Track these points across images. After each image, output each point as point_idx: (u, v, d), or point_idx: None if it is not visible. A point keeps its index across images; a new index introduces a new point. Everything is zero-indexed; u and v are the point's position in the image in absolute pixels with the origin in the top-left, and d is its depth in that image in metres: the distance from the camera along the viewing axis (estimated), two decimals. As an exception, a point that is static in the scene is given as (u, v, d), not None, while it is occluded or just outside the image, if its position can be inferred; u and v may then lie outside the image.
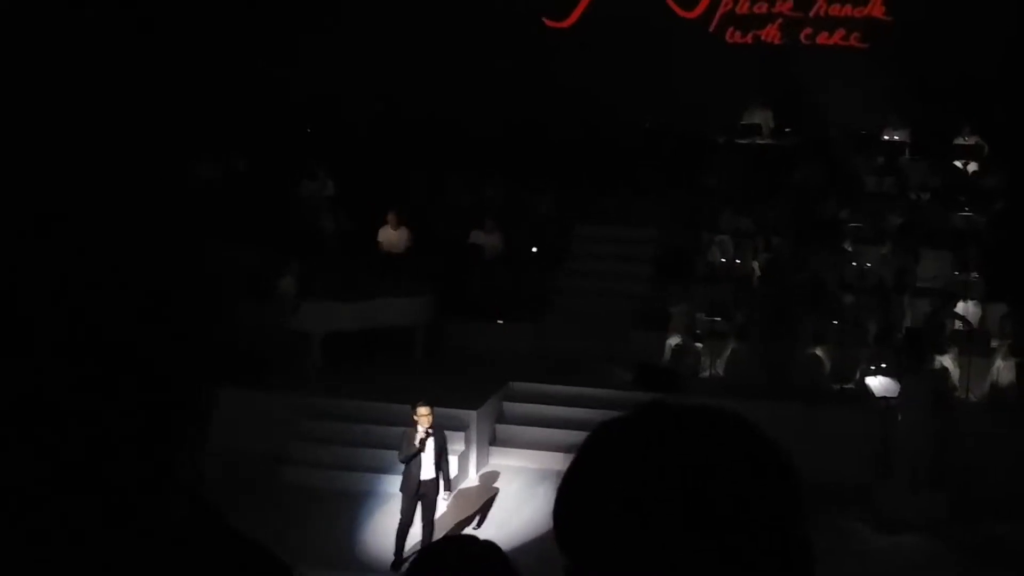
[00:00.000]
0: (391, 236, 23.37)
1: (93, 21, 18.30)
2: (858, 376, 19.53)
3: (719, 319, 20.90)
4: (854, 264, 22.12)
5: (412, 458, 15.11)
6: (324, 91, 26.36)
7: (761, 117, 26.55)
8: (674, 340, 20.92)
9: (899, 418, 17.03)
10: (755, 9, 27.60)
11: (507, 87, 25.89)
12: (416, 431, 15.12)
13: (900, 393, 17.35)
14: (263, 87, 25.90)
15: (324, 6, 27.33)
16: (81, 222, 1.65)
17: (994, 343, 20.10)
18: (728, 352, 20.71)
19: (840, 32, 27.27)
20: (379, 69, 26.57)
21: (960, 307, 20.81)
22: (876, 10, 27.01)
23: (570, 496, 1.72)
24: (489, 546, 3.26)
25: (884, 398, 17.86)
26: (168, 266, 1.69)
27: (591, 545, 1.67)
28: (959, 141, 24.73)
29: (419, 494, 15.14)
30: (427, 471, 15.14)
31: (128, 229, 1.70)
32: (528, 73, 26.13)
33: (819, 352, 20.20)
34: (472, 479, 17.91)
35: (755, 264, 22.75)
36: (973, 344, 19.86)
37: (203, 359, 1.69)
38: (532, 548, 14.82)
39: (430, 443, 15.14)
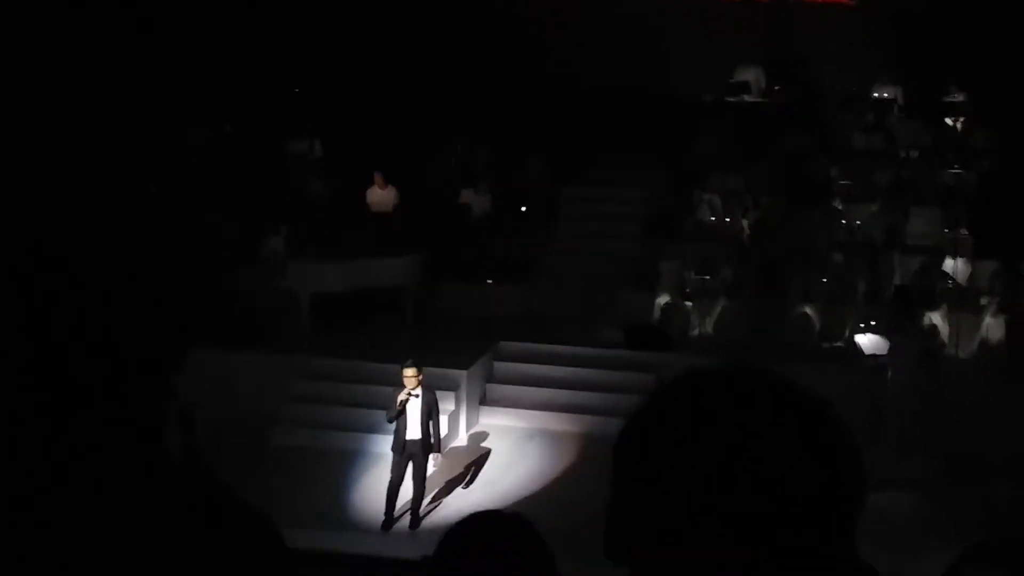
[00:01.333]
0: (379, 196, 23.33)
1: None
2: (847, 334, 19.56)
3: (708, 278, 20.90)
4: (843, 222, 22.13)
5: (396, 418, 15.14)
6: (318, 76, 26.27)
7: (751, 75, 26.51)
8: (663, 299, 20.93)
9: (888, 376, 17.06)
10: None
11: (494, 50, 25.79)
12: (402, 390, 15.15)
13: (889, 351, 17.37)
14: (252, 58, 25.81)
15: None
16: (55, 191, 1.63)
17: (983, 300, 20.12)
18: (718, 311, 20.73)
19: (830, -11, 27.20)
20: (370, 49, 26.41)
21: (949, 264, 20.84)
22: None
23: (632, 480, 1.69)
24: (519, 521, 3.22)
25: (873, 356, 17.88)
26: (137, 230, 1.67)
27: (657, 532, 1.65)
28: (948, 99, 24.72)
29: (408, 454, 15.17)
30: (413, 431, 15.16)
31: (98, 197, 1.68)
32: (515, 35, 26.03)
33: (808, 310, 20.23)
34: (462, 438, 17.94)
35: (744, 223, 22.75)
36: (962, 301, 19.89)
37: (174, 322, 1.67)
38: (521, 507, 14.88)
39: (416, 403, 15.15)
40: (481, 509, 3.32)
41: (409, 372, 15.20)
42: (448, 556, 3.13)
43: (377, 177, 23.29)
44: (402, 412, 15.10)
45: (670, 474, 1.62)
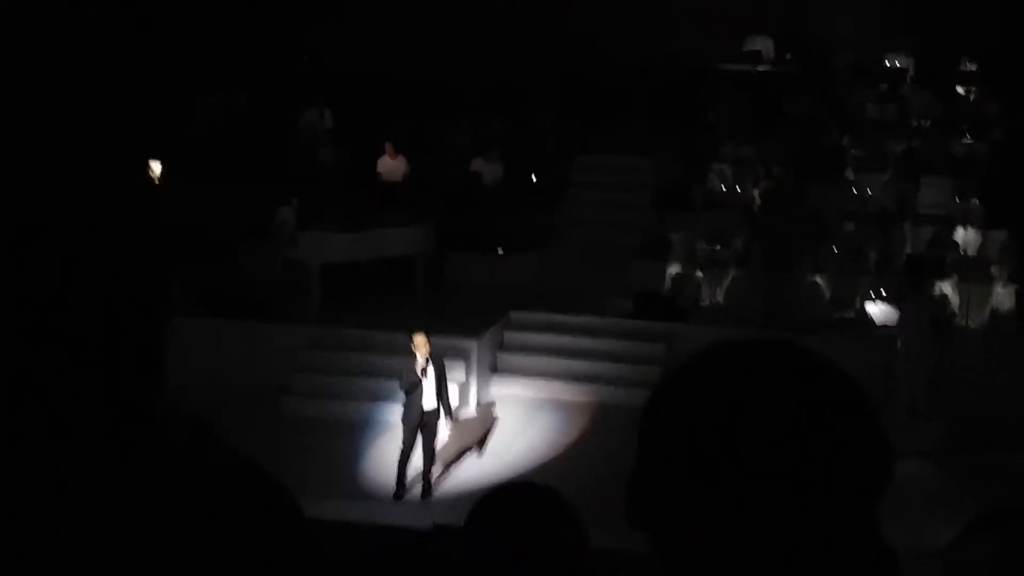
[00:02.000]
0: (389, 166, 23.32)
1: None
2: (858, 304, 19.54)
3: (719, 248, 20.87)
4: (855, 192, 22.08)
5: (414, 388, 15.14)
6: (330, 55, 26.18)
7: (762, 44, 26.42)
8: (674, 269, 20.91)
9: (898, 345, 17.04)
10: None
11: (505, 21, 25.69)
12: (415, 360, 15.14)
13: (899, 320, 17.35)
14: (263, 29, 25.74)
15: None
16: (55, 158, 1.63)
17: (994, 270, 20.09)
18: (728, 281, 20.70)
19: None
20: (382, 28, 26.27)
21: (960, 234, 20.79)
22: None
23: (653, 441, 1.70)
24: (550, 493, 3.21)
25: (885, 326, 17.87)
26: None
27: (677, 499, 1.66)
28: (961, 68, 24.63)
29: (421, 424, 15.17)
30: (429, 401, 15.16)
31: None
32: (527, 7, 25.94)
33: (819, 280, 20.20)
34: (473, 408, 17.95)
35: (755, 192, 22.70)
36: (973, 271, 19.85)
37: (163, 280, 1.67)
38: (531, 476, 14.91)
39: (431, 372, 15.16)
40: (503, 479, 3.32)
41: (420, 339, 15.19)
42: (481, 527, 3.13)
43: (387, 147, 23.28)
44: (423, 379, 15.08)
45: (697, 442, 1.63)
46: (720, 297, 20.64)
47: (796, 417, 1.62)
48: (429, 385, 15.16)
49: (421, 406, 15.12)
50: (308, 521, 1.73)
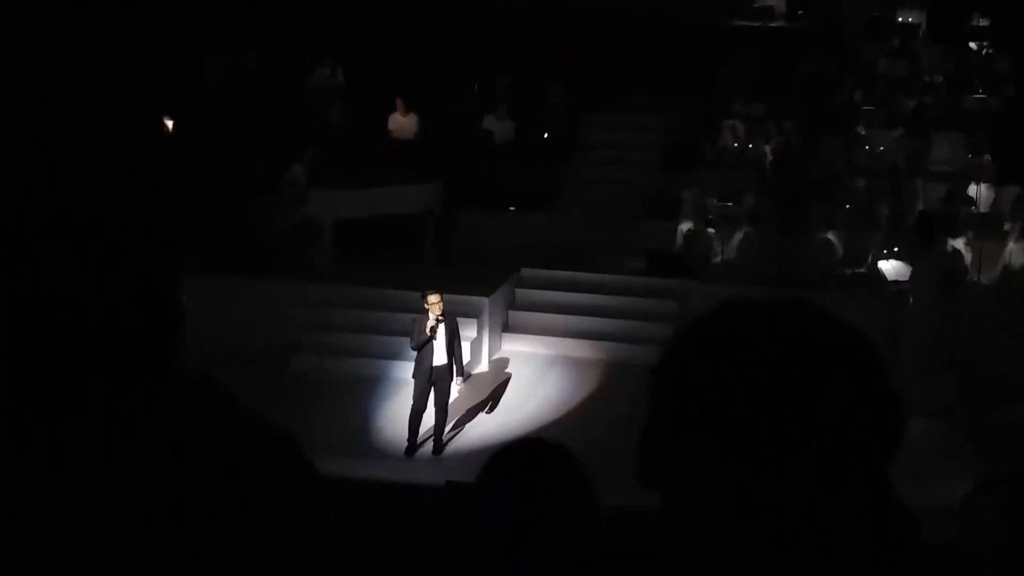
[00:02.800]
0: (400, 123, 23.29)
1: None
2: (870, 261, 19.51)
3: (731, 205, 20.83)
4: (867, 148, 22.00)
5: (424, 345, 15.18)
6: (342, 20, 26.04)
7: (774, 0, 26.28)
8: (685, 226, 20.88)
9: (910, 301, 17.00)
10: None
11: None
12: (427, 318, 15.18)
13: (911, 276, 17.32)
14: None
15: None
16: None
17: (1006, 226, 20.03)
18: (740, 238, 20.67)
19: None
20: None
21: (972, 190, 20.72)
22: None
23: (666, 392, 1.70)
24: (561, 450, 3.23)
25: (896, 282, 17.84)
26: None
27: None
28: (973, 23, 24.48)
29: (432, 380, 15.22)
30: (439, 358, 15.21)
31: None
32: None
33: (831, 237, 20.15)
34: (484, 365, 17.99)
35: (767, 149, 22.63)
36: (985, 227, 19.80)
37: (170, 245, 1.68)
38: (542, 432, 14.94)
39: (441, 330, 15.19)
40: (514, 437, 3.34)
41: (434, 298, 15.23)
42: (493, 484, 3.15)
43: (398, 103, 23.24)
44: (433, 338, 15.13)
45: (710, 399, 1.63)
46: (732, 254, 20.62)
47: (808, 374, 1.63)
48: (440, 342, 15.20)
49: (431, 362, 15.16)
50: (320, 476, 1.74)
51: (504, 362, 18.08)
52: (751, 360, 1.63)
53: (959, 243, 19.54)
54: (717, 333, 1.69)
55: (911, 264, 17.64)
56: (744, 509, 1.62)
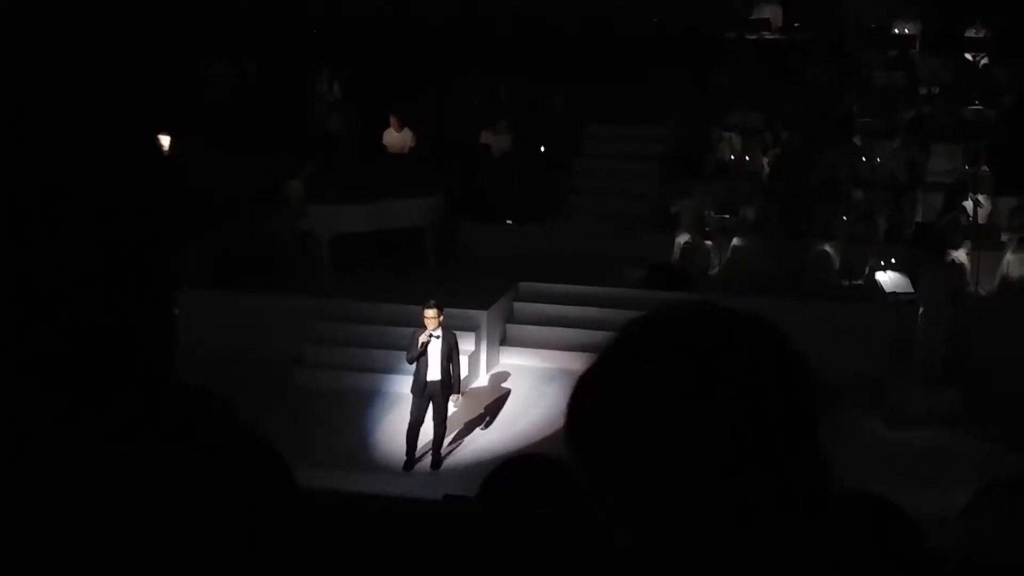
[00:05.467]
0: (395, 138, 23.31)
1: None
2: (867, 272, 19.51)
3: (728, 216, 20.84)
4: (864, 159, 22.03)
5: (417, 359, 15.16)
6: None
7: (770, 11, 26.34)
8: (683, 238, 20.89)
9: (920, 311, 16.95)
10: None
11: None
12: (423, 332, 15.17)
13: (919, 287, 17.31)
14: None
15: None
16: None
17: (1004, 236, 20.05)
18: (737, 249, 20.67)
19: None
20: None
21: (970, 201, 20.73)
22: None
23: (589, 388, 1.73)
24: (561, 464, 3.23)
25: (893, 293, 17.84)
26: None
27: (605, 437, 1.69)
28: (970, 34, 24.54)
29: (427, 395, 15.20)
30: (433, 372, 15.17)
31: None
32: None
33: (829, 248, 20.16)
34: (483, 379, 17.98)
35: (764, 160, 22.65)
36: (984, 238, 19.81)
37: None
38: (541, 447, 14.93)
39: (437, 344, 15.15)
40: (513, 451, 3.34)
41: (430, 313, 15.21)
42: (494, 498, 3.14)
43: (393, 120, 23.26)
44: (423, 353, 15.12)
45: (640, 396, 1.65)
46: (729, 265, 20.61)
47: (734, 365, 1.65)
48: (434, 356, 15.17)
49: (426, 377, 15.15)
50: (302, 491, 1.74)
51: (502, 376, 18.07)
52: (678, 354, 1.67)
53: (958, 254, 19.55)
54: (645, 334, 1.73)
55: (909, 275, 17.63)
56: (685, 507, 1.64)
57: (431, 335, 15.12)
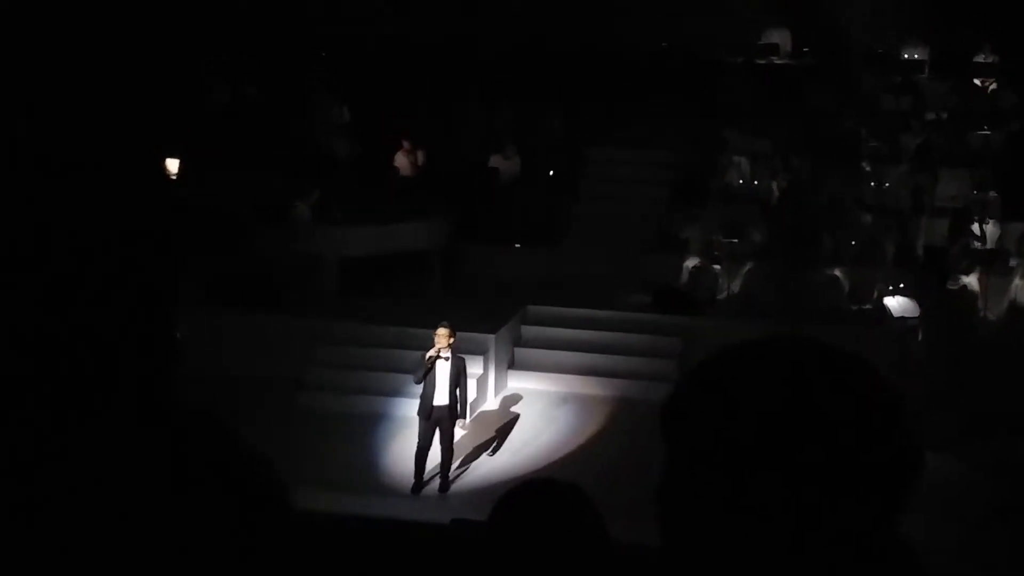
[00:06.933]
0: (404, 161, 23.40)
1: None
2: (876, 296, 19.50)
3: (737, 241, 20.85)
4: (872, 184, 22.03)
5: (423, 377, 15.10)
6: (335, 21, 26.10)
7: (779, 37, 26.38)
8: (691, 263, 20.89)
9: (919, 337, 16.96)
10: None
11: (518, 9, 25.63)
12: (432, 350, 15.13)
13: (922, 312, 17.30)
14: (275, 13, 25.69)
15: None
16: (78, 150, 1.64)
17: (1013, 262, 20.03)
18: (746, 274, 20.67)
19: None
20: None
21: (978, 226, 20.74)
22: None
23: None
24: (572, 488, 3.22)
25: (902, 318, 17.82)
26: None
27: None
28: (978, 59, 24.57)
29: (434, 419, 15.15)
30: (440, 397, 15.11)
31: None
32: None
33: (837, 273, 20.16)
34: (491, 403, 17.94)
35: (773, 185, 22.66)
36: (992, 263, 19.80)
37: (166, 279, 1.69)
38: (550, 471, 14.91)
39: (444, 369, 15.10)
40: (522, 475, 3.34)
41: (442, 331, 15.15)
42: (504, 523, 3.14)
43: (404, 142, 23.38)
44: (430, 371, 15.05)
45: (727, 443, 1.62)
46: (737, 290, 20.61)
47: (824, 412, 1.61)
48: (442, 380, 15.12)
49: (432, 400, 15.10)
50: (300, 514, 1.74)
51: (511, 400, 18.03)
52: (765, 402, 1.62)
53: (966, 279, 19.54)
54: (728, 376, 1.68)
55: (918, 300, 17.62)
56: (758, 548, 1.61)
57: (439, 352, 15.07)
